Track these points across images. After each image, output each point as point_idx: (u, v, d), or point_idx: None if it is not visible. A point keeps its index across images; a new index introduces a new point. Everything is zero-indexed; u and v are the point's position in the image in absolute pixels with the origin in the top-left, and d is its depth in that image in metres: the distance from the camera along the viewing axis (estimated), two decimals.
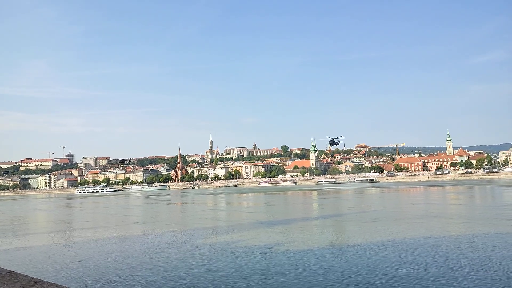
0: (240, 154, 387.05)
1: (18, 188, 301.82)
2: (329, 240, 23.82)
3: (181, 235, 28.44)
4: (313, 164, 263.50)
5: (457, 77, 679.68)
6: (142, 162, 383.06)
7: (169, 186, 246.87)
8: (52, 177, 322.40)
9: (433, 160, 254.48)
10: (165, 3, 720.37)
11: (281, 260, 18.23)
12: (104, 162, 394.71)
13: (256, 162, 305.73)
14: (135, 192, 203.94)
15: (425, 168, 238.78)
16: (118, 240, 26.75)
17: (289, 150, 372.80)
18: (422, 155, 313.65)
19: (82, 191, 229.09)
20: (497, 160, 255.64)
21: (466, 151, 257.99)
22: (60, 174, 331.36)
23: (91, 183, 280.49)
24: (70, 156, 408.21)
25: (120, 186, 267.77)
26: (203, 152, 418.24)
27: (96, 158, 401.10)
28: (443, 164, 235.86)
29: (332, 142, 78.96)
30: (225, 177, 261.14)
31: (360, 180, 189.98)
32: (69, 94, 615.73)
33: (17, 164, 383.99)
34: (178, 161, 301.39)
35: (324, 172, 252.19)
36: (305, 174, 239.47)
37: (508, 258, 16.92)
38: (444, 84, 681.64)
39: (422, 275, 14.71)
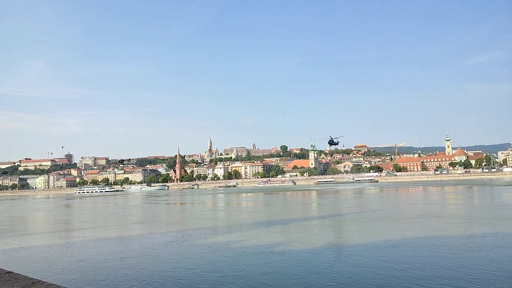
0: (239, 154, 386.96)
1: (17, 188, 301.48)
2: (328, 240, 23.84)
3: (180, 235, 28.45)
4: (312, 164, 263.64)
5: (457, 77, 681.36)
6: (141, 162, 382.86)
7: (168, 186, 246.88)
8: (51, 177, 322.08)
9: (432, 160, 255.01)
10: (164, 3, 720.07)
11: (280, 260, 18.25)
12: (103, 162, 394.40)
13: (255, 162, 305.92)
14: (134, 192, 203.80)
15: (424, 168, 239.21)
16: (117, 240, 26.74)
17: (288, 150, 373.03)
18: (421, 155, 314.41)
19: (81, 191, 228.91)
20: (496, 160, 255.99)
21: (465, 151, 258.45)
22: (59, 174, 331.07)
23: (90, 183, 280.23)
24: (69, 156, 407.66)
25: (119, 186, 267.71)
26: (202, 152, 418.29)
27: (95, 158, 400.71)
28: (442, 164, 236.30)
29: (331, 142, 79.22)
30: (224, 177, 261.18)
31: (359, 180, 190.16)
32: (68, 94, 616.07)
33: (16, 164, 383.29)
34: (177, 161, 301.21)
35: (323, 172, 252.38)
36: (304, 174, 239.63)
37: (506, 258, 16.97)
38: (444, 84, 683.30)
39: (421, 275, 14.74)
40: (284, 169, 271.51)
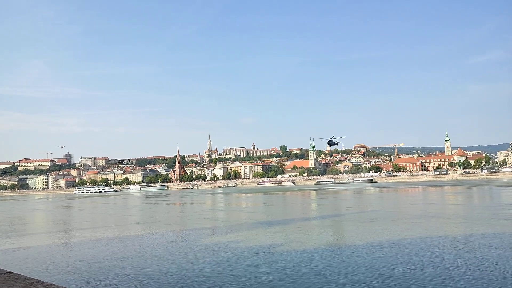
0: (239, 154, 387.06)
1: (16, 189, 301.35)
2: (327, 241, 23.86)
3: (180, 235, 28.46)
4: (311, 164, 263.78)
5: (457, 77, 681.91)
6: (141, 162, 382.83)
7: (167, 186, 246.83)
8: (50, 177, 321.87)
9: (431, 160, 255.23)
10: (164, 3, 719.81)
11: (279, 260, 18.26)
12: (102, 162, 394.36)
13: (255, 162, 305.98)
14: (133, 192, 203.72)
15: (423, 168, 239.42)
16: (116, 241, 26.74)
17: (288, 150, 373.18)
18: (420, 155, 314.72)
19: (80, 192, 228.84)
20: (495, 160, 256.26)
21: (464, 151, 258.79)
22: (58, 174, 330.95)
23: (89, 183, 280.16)
24: (68, 156, 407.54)
25: (119, 186, 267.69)
26: (201, 152, 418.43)
27: (95, 158, 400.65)
28: (441, 164, 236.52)
29: (331, 143, 79.17)
30: (224, 177, 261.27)
31: (359, 180, 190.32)
32: (68, 94, 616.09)
33: (15, 164, 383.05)
34: (176, 161, 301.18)
35: (323, 172, 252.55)
36: (304, 174, 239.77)
37: (505, 258, 17.00)
38: (444, 84, 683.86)
39: (420, 275, 14.76)
40: (284, 169, 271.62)
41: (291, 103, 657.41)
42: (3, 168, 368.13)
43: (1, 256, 22.19)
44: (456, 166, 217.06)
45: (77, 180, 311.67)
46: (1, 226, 42.70)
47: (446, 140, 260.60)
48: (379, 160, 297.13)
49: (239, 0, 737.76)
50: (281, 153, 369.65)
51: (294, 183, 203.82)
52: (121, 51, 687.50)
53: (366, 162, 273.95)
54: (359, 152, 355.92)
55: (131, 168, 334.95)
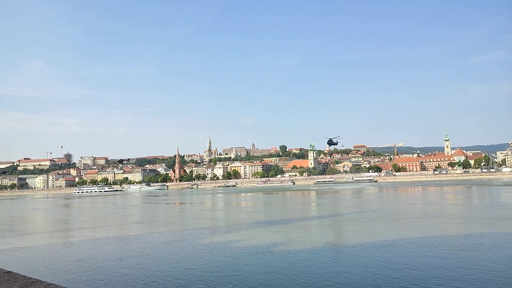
0: (239, 154, 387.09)
1: (16, 188, 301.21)
2: (326, 240, 23.90)
3: (179, 235, 28.48)
4: (311, 164, 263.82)
5: (457, 77, 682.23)
6: (141, 162, 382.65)
7: (167, 186, 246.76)
8: (50, 177, 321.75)
9: (431, 160, 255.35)
10: (164, 3, 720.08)
11: (279, 260, 18.29)
12: (102, 162, 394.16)
13: (255, 162, 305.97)
14: (133, 192, 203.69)
15: (423, 168, 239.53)
16: (116, 240, 26.76)
17: (287, 150, 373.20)
18: (420, 155, 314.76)
19: (80, 191, 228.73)
20: (495, 160, 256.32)
21: (464, 151, 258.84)
22: (58, 174, 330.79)
23: (89, 183, 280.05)
24: (68, 156, 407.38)
25: (118, 186, 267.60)
26: (201, 152, 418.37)
27: (94, 158, 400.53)
28: (441, 164, 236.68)
29: (330, 142, 79.15)
30: (224, 177, 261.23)
31: (358, 180, 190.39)
32: (68, 94, 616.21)
33: (15, 164, 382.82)
34: (176, 161, 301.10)
35: (323, 172, 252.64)
36: (304, 174, 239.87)
37: (504, 258, 17.04)
38: (444, 84, 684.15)
39: (419, 275, 14.79)
40: (283, 169, 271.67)
41: (291, 103, 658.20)
42: (2, 168, 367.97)
43: (0, 256, 22.20)
44: (456, 166, 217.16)
45: (76, 179, 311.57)
46: (0, 225, 42.69)
47: (445, 140, 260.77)
48: (379, 160, 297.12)
49: (239, 0, 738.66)
50: (280, 153, 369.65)
51: (293, 183, 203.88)
52: (121, 51, 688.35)
53: (366, 162, 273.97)
54: (359, 152, 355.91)
55: (130, 167, 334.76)
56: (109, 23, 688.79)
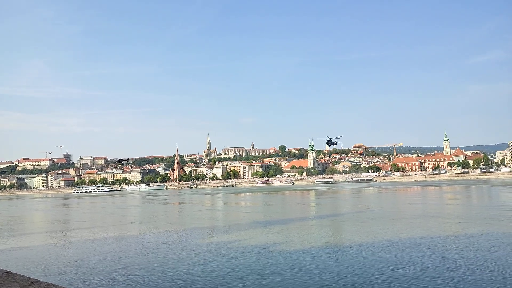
0: (238, 154, 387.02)
1: (15, 188, 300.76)
2: (325, 240, 23.92)
3: (178, 235, 28.49)
4: (310, 164, 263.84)
5: (457, 77, 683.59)
6: (140, 162, 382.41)
7: (166, 186, 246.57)
8: (49, 177, 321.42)
9: (430, 160, 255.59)
10: (164, 3, 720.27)
11: (278, 260, 18.31)
12: (101, 162, 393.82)
13: (254, 162, 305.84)
14: (132, 192, 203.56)
15: (422, 168, 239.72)
16: (115, 240, 26.76)
17: (287, 150, 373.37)
18: (419, 155, 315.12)
19: (79, 191, 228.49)
20: (494, 160, 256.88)
21: (463, 151, 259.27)
22: (57, 174, 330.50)
23: (88, 183, 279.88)
24: (67, 156, 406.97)
25: (118, 186, 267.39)
26: (201, 152, 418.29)
27: (94, 158, 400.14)
28: (440, 164, 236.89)
29: (330, 142, 79.25)
30: (223, 177, 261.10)
31: (358, 180, 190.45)
32: (68, 94, 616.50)
33: (14, 163, 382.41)
34: (175, 161, 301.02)
35: (322, 172, 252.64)
36: (303, 174, 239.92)
37: (502, 258, 17.08)
38: (444, 84, 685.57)
39: (418, 275, 14.82)
40: (283, 169, 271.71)
41: (291, 103, 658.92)
42: (1, 168, 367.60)
43: None
44: (455, 166, 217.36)
45: (76, 179, 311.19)
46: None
47: (445, 140, 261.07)
48: (378, 160, 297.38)
49: (239, 0, 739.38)
50: (280, 153, 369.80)
51: (293, 183, 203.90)
52: (121, 51, 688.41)
53: (365, 162, 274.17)
54: (358, 152, 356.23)
55: (130, 167, 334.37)
56: (109, 23, 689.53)
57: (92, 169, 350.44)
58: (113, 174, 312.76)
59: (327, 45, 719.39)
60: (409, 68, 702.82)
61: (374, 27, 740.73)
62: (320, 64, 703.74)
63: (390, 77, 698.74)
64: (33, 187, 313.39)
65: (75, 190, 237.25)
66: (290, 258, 18.71)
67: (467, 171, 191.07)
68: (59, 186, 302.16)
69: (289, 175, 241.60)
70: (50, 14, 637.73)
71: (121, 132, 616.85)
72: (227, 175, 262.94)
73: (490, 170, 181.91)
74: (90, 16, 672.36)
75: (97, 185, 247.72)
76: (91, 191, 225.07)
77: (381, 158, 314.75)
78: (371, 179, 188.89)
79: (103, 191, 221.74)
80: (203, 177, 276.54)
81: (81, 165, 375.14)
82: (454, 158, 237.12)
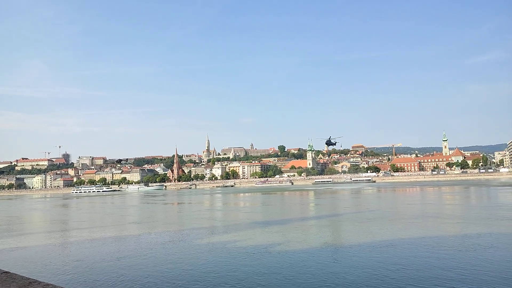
0: (237, 154, 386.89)
1: (14, 188, 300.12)
2: (324, 241, 23.95)
3: (177, 235, 28.49)
4: (310, 164, 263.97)
5: (457, 77, 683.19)
6: (139, 162, 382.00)
7: (165, 186, 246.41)
8: (48, 177, 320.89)
9: (429, 160, 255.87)
10: (164, 3, 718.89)
11: (276, 261, 18.33)
12: (100, 162, 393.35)
13: (253, 162, 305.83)
14: (131, 192, 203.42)
15: (421, 168, 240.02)
16: (114, 240, 26.75)
17: (286, 150, 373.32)
18: (418, 155, 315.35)
19: (78, 191, 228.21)
20: (493, 160, 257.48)
21: (462, 151, 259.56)
22: (56, 174, 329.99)
23: (87, 183, 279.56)
24: (66, 156, 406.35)
25: (117, 186, 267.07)
26: (200, 152, 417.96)
27: (93, 158, 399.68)
28: (439, 164, 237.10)
29: (329, 143, 79.43)
30: (222, 177, 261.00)
31: (357, 180, 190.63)
32: (67, 94, 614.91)
33: (13, 163, 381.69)
34: (175, 161, 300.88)
35: (321, 172, 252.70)
36: (302, 174, 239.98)
37: (500, 258, 17.12)
38: (444, 84, 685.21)
39: (416, 275, 14.86)
40: (282, 169, 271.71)
41: (291, 103, 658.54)
42: (0, 168, 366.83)
43: None
44: (454, 166, 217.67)
45: (75, 179, 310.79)
46: None
47: (444, 140, 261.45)
48: (377, 160, 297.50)
49: (239, 0, 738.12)
50: (279, 153, 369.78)
51: (292, 183, 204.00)
52: (121, 51, 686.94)
53: (364, 162, 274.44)
54: (357, 152, 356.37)
55: (129, 167, 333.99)
56: (109, 23, 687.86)
57: (91, 169, 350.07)
58: (112, 174, 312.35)
59: (327, 45, 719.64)
60: (409, 68, 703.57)
61: (374, 27, 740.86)
62: (320, 64, 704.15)
63: (390, 77, 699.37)
64: (32, 187, 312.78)
65: (74, 190, 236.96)
66: (289, 258, 18.73)
67: (466, 172, 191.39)
68: (58, 186, 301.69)
69: (288, 175, 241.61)
70: (50, 14, 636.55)
71: (120, 132, 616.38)
72: (226, 175, 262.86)
73: (489, 170, 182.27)
74: (90, 16, 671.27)
75: (96, 185, 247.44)
76: (90, 191, 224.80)
77: (380, 158, 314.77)
78: (370, 179, 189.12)
79: (102, 191, 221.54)
80: (202, 177, 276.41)
81: (80, 165, 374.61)
82: (453, 158, 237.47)
